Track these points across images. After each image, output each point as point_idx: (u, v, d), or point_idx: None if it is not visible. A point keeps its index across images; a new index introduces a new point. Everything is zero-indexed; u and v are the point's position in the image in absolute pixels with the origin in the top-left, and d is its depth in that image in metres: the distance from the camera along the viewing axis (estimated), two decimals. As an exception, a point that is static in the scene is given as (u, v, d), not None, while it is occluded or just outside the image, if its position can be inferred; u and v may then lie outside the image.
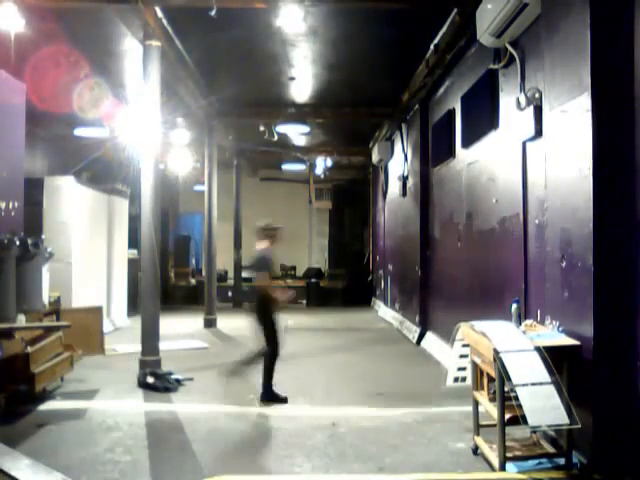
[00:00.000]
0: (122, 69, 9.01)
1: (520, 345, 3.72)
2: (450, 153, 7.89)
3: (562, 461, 3.77)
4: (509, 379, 3.51)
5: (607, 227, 3.76)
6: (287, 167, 16.01)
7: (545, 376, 3.51)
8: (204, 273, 12.69)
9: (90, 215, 10.06)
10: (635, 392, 3.66)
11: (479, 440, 4.19)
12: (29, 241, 6.26)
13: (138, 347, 6.83)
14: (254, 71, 9.15)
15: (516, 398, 3.49)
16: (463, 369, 4.62)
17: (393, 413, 5.37)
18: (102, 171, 12.43)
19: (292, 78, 9.52)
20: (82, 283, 9.54)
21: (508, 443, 3.76)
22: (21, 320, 5.89)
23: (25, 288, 6.27)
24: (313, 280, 16.43)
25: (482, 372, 4.18)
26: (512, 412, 3.60)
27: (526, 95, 5.08)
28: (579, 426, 3.45)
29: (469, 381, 4.51)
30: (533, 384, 3.48)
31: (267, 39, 7.72)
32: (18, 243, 5.99)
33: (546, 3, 4.53)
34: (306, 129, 11.38)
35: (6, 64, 6.58)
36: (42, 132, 11.38)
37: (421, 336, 9.25)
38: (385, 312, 13.02)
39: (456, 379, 4.70)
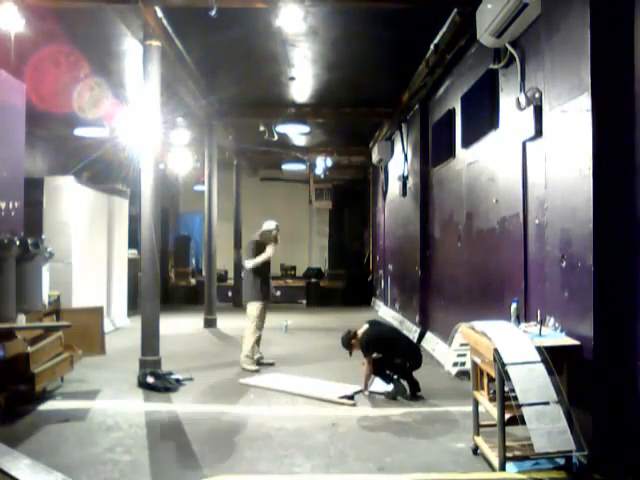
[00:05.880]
0: (122, 69, 9.01)
1: (523, 350, 3.68)
2: (450, 153, 7.89)
3: (562, 461, 3.77)
4: (516, 398, 3.48)
5: (607, 227, 3.75)
6: (287, 167, 16.00)
7: (552, 394, 3.47)
8: (204, 273, 12.69)
9: (90, 215, 10.06)
10: (635, 392, 3.66)
11: (479, 440, 4.19)
12: (29, 241, 6.25)
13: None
14: (254, 71, 9.15)
15: (515, 398, 3.49)
16: (463, 355, 4.63)
17: (393, 413, 5.37)
18: (102, 171, 12.44)
19: (292, 78, 9.52)
20: (82, 283, 9.54)
21: (508, 443, 3.76)
22: (21, 320, 5.89)
23: (25, 288, 6.27)
24: (313, 280, 16.41)
25: (482, 372, 4.18)
26: (512, 412, 3.60)
27: (526, 95, 5.08)
28: (586, 453, 3.46)
29: (468, 365, 4.51)
30: (540, 404, 3.44)
31: (267, 39, 7.72)
32: (18, 243, 5.98)
33: (546, 3, 4.53)
34: (306, 129, 11.38)
35: (6, 64, 6.57)
36: (42, 132, 11.39)
37: (421, 336, 9.24)
38: (385, 312, 13.02)
39: (455, 364, 4.73)
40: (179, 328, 10.77)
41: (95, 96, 9.26)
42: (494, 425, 3.84)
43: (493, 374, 3.81)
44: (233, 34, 7.36)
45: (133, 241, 11.88)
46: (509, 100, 5.60)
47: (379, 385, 6.26)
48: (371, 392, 6.04)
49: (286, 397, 5.96)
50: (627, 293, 3.73)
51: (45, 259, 7.02)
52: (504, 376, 3.59)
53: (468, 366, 4.53)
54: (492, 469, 3.84)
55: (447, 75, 8.14)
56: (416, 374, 5.99)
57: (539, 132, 4.82)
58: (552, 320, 4.27)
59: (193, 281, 16.56)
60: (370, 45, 8.01)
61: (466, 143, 7.17)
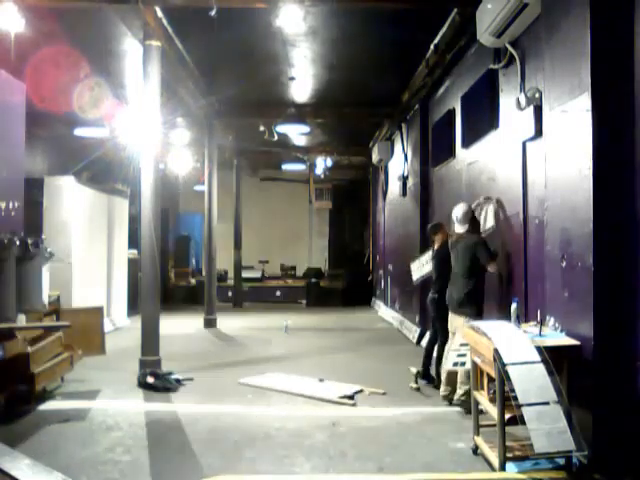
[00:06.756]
0: (122, 69, 9.02)
1: (523, 350, 3.68)
2: (450, 153, 7.89)
3: (562, 461, 3.77)
4: (516, 398, 3.48)
5: (607, 227, 3.75)
6: (287, 167, 16.00)
7: (552, 394, 3.47)
8: (204, 273, 12.69)
9: (90, 215, 10.06)
10: (635, 392, 3.66)
11: (479, 440, 4.19)
12: (29, 241, 6.25)
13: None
14: (254, 71, 9.15)
15: (515, 398, 3.48)
16: (463, 355, 4.63)
17: (393, 413, 5.37)
18: (102, 171, 12.43)
19: (292, 78, 9.52)
20: (82, 283, 9.54)
21: (508, 443, 3.76)
22: (21, 320, 5.89)
23: (25, 288, 6.27)
24: (313, 280, 16.42)
25: (482, 372, 4.18)
26: (512, 412, 3.60)
27: (526, 95, 5.08)
28: (586, 453, 3.45)
29: (468, 365, 4.52)
30: (540, 404, 3.43)
31: (267, 39, 7.72)
32: (18, 243, 5.98)
33: (546, 3, 4.53)
34: (306, 129, 11.38)
35: (6, 64, 6.57)
36: (42, 132, 11.37)
37: (421, 336, 9.23)
38: (385, 312, 13.02)
39: (455, 364, 4.74)
40: (179, 328, 10.78)
41: (95, 96, 9.26)
42: (494, 425, 3.84)
43: (493, 374, 3.81)
44: (233, 34, 7.36)
45: (133, 241, 11.88)
46: (509, 100, 5.60)
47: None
48: (371, 393, 6.05)
49: (286, 397, 5.96)
50: (627, 293, 3.73)
51: (45, 259, 7.01)
52: (504, 376, 3.59)
53: (468, 366, 4.54)
54: (492, 469, 3.85)
55: (447, 75, 8.14)
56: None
57: (539, 132, 4.82)
58: (552, 320, 4.27)
59: (193, 281, 16.57)
60: (370, 45, 8.02)
61: (466, 143, 7.17)
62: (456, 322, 5.50)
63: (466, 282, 5.48)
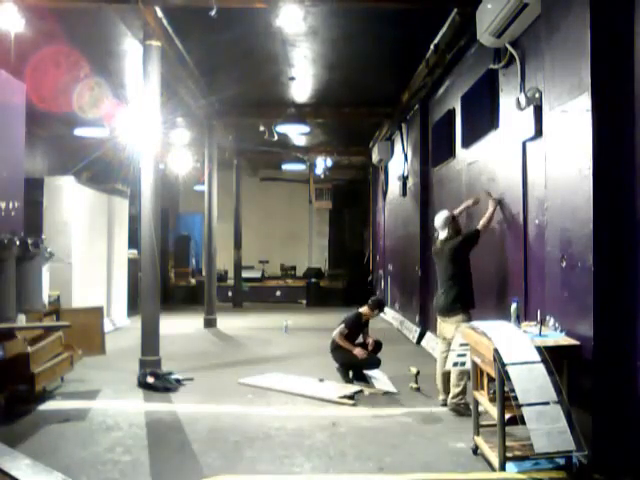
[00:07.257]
0: (122, 69, 9.01)
1: (523, 350, 3.69)
2: (450, 153, 7.89)
3: (562, 461, 3.77)
4: (516, 398, 3.48)
5: (607, 227, 3.75)
6: (287, 167, 15.99)
7: (552, 394, 3.47)
8: (204, 273, 12.69)
9: (90, 215, 10.06)
10: (635, 392, 3.65)
11: (479, 440, 4.19)
12: (29, 241, 6.26)
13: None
14: (254, 71, 9.15)
15: (515, 398, 3.48)
16: (463, 355, 4.64)
17: (393, 413, 5.37)
18: (102, 171, 12.43)
19: (292, 78, 9.52)
20: (82, 283, 9.54)
21: (508, 443, 3.76)
22: (21, 320, 5.90)
23: (25, 288, 6.27)
24: (313, 280, 16.41)
25: (482, 372, 4.18)
26: (512, 412, 3.60)
27: (526, 95, 5.08)
28: (586, 453, 3.45)
29: (468, 365, 4.53)
30: (540, 404, 3.43)
31: (267, 39, 7.72)
32: (18, 243, 5.99)
33: (546, 3, 4.53)
34: (306, 129, 11.38)
35: (6, 64, 6.58)
36: (42, 132, 11.38)
37: (421, 336, 9.25)
38: (385, 312, 13.01)
39: (455, 364, 4.75)
40: (179, 328, 10.78)
41: (95, 96, 9.26)
42: (494, 425, 3.84)
43: (493, 374, 3.81)
44: (233, 34, 7.36)
45: (133, 241, 11.88)
46: (509, 100, 5.60)
47: (380, 384, 6.26)
48: (371, 393, 6.05)
49: (286, 397, 5.96)
50: (627, 293, 3.73)
51: (45, 259, 7.02)
52: (504, 376, 3.59)
53: (468, 366, 4.55)
54: (492, 469, 3.85)
55: (447, 75, 8.14)
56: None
57: (539, 132, 4.82)
58: (552, 320, 4.27)
59: (193, 281, 16.56)
60: (370, 45, 8.01)
61: (466, 143, 7.17)
62: (444, 327, 5.60)
63: (450, 288, 5.55)
